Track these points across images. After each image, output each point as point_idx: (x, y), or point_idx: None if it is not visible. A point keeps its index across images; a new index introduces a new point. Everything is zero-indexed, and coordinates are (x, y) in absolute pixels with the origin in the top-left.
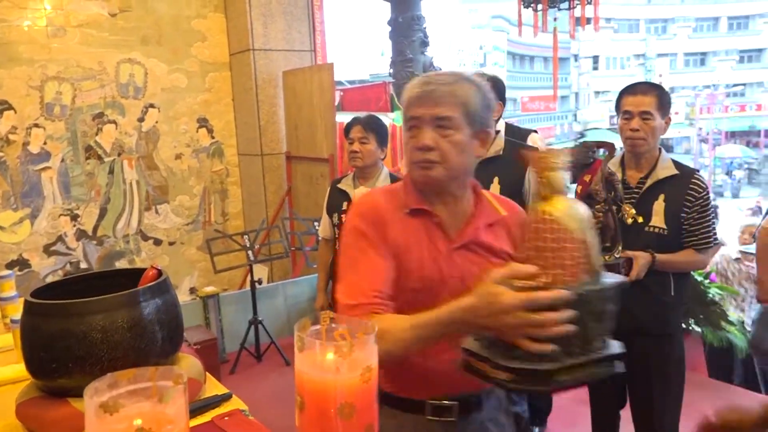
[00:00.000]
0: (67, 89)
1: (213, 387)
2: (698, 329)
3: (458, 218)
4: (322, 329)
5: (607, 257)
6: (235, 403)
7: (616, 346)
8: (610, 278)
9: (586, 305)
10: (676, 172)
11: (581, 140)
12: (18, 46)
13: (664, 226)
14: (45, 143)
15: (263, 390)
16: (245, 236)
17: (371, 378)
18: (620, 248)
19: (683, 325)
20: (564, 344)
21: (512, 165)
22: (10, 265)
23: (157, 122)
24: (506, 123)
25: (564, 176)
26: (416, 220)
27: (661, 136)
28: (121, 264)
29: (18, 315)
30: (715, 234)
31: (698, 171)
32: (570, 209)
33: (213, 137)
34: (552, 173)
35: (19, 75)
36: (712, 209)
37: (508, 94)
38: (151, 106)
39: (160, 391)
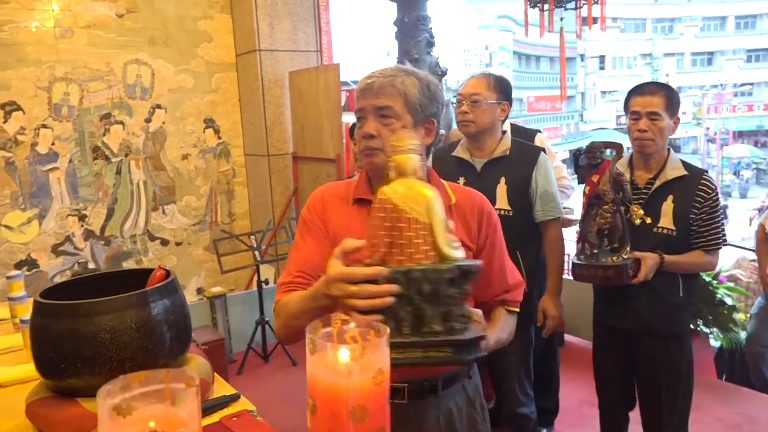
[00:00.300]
0: (74, 90)
1: (221, 387)
2: (706, 330)
3: None
4: (334, 331)
5: (614, 258)
6: (243, 404)
7: (467, 334)
8: (461, 263)
9: (415, 285)
10: (685, 172)
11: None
12: (26, 47)
13: (673, 227)
14: (53, 144)
15: (270, 390)
16: (252, 236)
17: (383, 380)
18: (628, 249)
19: (691, 326)
20: (395, 322)
21: (519, 165)
22: (18, 265)
23: (164, 123)
24: (512, 123)
25: (413, 159)
26: (362, 209)
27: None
28: (129, 264)
29: (27, 315)
30: (724, 235)
31: (707, 172)
32: (410, 191)
33: (219, 138)
34: (398, 156)
35: (27, 76)
36: (721, 210)
37: (514, 94)
38: (158, 106)
39: (173, 394)
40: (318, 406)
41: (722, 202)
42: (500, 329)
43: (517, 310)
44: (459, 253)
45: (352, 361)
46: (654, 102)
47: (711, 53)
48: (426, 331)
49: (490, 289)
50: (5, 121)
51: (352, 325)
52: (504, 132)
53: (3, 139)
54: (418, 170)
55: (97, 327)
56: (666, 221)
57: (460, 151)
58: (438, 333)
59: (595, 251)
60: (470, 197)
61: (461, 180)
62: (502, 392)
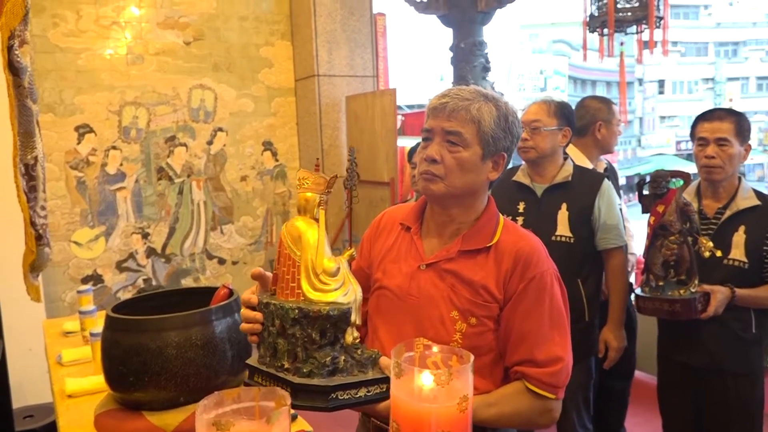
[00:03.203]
0: (143, 114)
1: None
2: None
3: (444, 239)
4: (416, 356)
5: (682, 291)
6: (301, 424)
7: (315, 381)
8: (304, 306)
9: (270, 318)
10: (758, 202)
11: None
12: (100, 73)
13: (745, 260)
14: (121, 165)
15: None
16: None
17: (468, 407)
18: (697, 282)
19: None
20: (264, 349)
21: (581, 192)
22: (85, 280)
23: (224, 145)
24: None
25: (311, 198)
26: (407, 235)
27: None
28: (187, 281)
29: (96, 329)
30: None
31: None
32: (295, 229)
33: (277, 160)
34: (299, 194)
35: (100, 100)
36: None
37: None
38: (220, 129)
39: (266, 412)
40: (402, 430)
41: None
42: (485, 403)
43: (548, 395)
44: (327, 297)
45: (437, 387)
46: (723, 128)
47: None
48: (278, 365)
49: (508, 352)
50: (78, 143)
51: (434, 349)
52: (566, 158)
53: (76, 159)
54: (314, 209)
55: (163, 342)
56: (737, 253)
57: (520, 176)
58: (287, 370)
59: (661, 283)
60: (515, 240)
61: (521, 205)
62: (560, 424)
